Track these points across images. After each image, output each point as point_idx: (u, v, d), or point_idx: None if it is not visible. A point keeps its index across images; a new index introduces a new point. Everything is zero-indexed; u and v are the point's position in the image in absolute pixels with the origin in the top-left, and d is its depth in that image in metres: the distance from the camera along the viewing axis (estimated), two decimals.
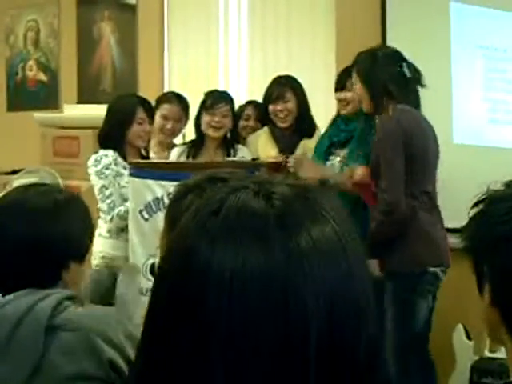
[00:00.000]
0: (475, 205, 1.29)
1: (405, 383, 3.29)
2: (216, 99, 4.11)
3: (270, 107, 4.09)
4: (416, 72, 3.47)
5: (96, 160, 3.84)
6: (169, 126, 4.28)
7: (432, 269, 3.36)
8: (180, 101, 4.44)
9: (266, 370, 0.73)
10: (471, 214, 1.29)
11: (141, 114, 3.88)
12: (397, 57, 3.49)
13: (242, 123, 4.42)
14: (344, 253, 0.78)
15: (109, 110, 3.97)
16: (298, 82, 4.14)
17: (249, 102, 4.62)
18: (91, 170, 3.85)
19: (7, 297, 1.76)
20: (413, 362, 3.45)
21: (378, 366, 0.80)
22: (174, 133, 4.44)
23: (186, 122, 4.45)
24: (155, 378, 0.78)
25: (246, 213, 0.77)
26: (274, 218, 0.76)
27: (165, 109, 4.29)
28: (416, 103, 3.46)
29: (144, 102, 3.99)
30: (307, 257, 0.75)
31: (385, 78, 3.41)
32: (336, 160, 3.85)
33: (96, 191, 3.84)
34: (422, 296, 3.39)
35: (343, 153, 3.83)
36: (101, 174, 3.80)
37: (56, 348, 1.74)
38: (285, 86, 4.09)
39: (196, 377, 0.74)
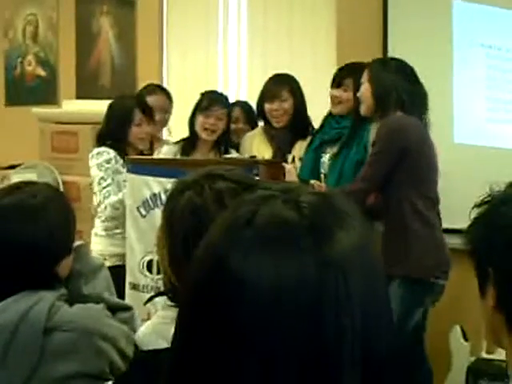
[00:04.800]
0: (478, 206, 1.27)
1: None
2: (212, 101, 4.08)
3: (266, 106, 4.05)
4: (423, 92, 3.48)
5: (98, 153, 3.91)
6: (156, 117, 4.27)
7: (441, 281, 3.37)
8: (163, 91, 4.46)
9: (299, 376, 0.72)
10: (473, 215, 1.27)
11: (138, 115, 3.92)
12: (409, 72, 3.49)
13: (230, 126, 4.31)
14: (370, 260, 0.79)
15: (108, 112, 4.01)
16: (295, 81, 4.09)
17: (235, 103, 4.55)
18: (92, 162, 3.91)
19: None
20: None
21: (398, 372, 0.80)
22: (162, 124, 4.45)
23: (171, 111, 4.46)
24: None
25: (278, 223, 0.77)
26: (306, 227, 0.76)
27: (149, 101, 4.22)
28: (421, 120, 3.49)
29: (142, 104, 4.01)
30: (340, 265, 0.75)
31: (395, 85, 3.41)
32: (326, 158, 3.85)
33: (94, 183, 3.89)
34: (424, 306, 3.42)
35: (333, 150, 3.82)
36: (101, 166, 3.87)
37: (53, 348, 1.74)
38: (282, 85, 4.04)
39: None
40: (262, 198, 0.79)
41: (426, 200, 3.40)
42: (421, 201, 3.37)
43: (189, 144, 4.14)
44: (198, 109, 4.08)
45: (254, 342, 0.73)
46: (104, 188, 3.84)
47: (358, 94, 3.57)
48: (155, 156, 4.11)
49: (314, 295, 0.73)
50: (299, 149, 4.01)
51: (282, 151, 4.01)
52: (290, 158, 3.94)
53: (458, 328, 4.04)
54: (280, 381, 0.72)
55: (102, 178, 3.86)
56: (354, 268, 0.76)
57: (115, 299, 2.06)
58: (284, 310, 0.73)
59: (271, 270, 0.73)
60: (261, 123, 4.23)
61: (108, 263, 3.75)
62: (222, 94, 4.32)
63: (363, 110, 3.54)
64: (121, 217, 3.82)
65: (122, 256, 3.79)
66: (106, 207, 3.83)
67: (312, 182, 3.60)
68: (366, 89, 3.50)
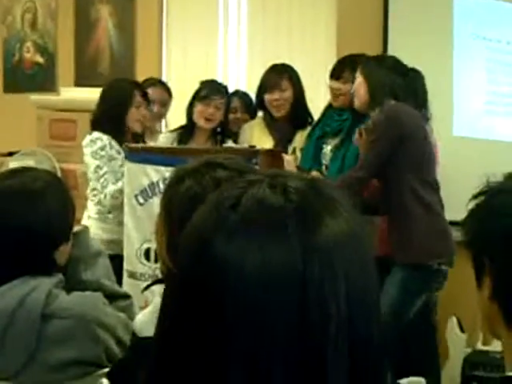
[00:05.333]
0: (475, 197, 1.27)
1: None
2: (211, 90, 4.06)
3: (267, 96, 4.03)
4: (420, 76, 3.50)
5: (92, 140, 3.86)
6: (155, 109, 4.24)
7: (444, 267, 3.37)
8: (163, 84, 4.45)
9: (283, 361, 0.72)
10: (470, 207, 1.27)
11: (138, 97, 3.89)
12: (402, 68, 3.50)
13: (229, 116, 4.28)
14: (358, 244, 0.78)
15: (104, 94, 3.96)
16: (294, 71, 4.08)
17: (233, 93, 4.52)
18: (86, 151, 3.86)
19: None
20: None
21: (383, 358, 0.80)
22: (160, 116, 4.44)
23: (169, 107, 4.47)
24: (170, 373, 0.77)
25: (263, 207, 0.76)
26: (293, 212, 0.75)
27: (149, 92, 4.21)
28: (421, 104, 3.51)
29: (139, 87, 4.00)
30: (326, 251, 0.74)
31: (389, 81, 3.43)
32: (327, 149, 3.84)
33: (90, 171, 3.85)
34: (431, 291, 3.42)
35: (335, 142, 3.82)
36: (96, 154, 3.82)
37: (50, 336, 1.75)
38: (282, 75, 4.03)
39: (211, 370, 0.73)
40: (248, 183, 0.79)
41: (426, 185, 3.41)
42: (421, 186, 3.38)
43: (186, 133, 4.12)
44: (197, 97, 4.07)
45: (239, 325, 0.72)
46: (101, 177, 3.81)
47: (352, 90, 3.58)
48: (153, 144, 4.11)
49: (298, 281, 0.73)
50: (299, 139, 4.00)
51: (282, 142, 4.00)
52: (290, 149, 3.93)
53: (454, 319, 4.05)
54: (265, 364, 0.72)
55: (98, 166, 3.82)
56: (340, 255, 0.75)
57: (114, 287, 2.06)
58: (268, 295, 0.72)
59: (256, 255, 0.73)
60: (260, 114, 4.22)
61: None
62: (221, 84, 4.29)
63: (356, 104, 3.57)
64: (120, 205, 3.80)
65: (114, 243, 3.76)
66: (105, 196, 3.80)
67: (313, 173, 3.59)
68: (359, 84, 3.52)
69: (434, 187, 3.47)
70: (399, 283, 3.34)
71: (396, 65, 3.53)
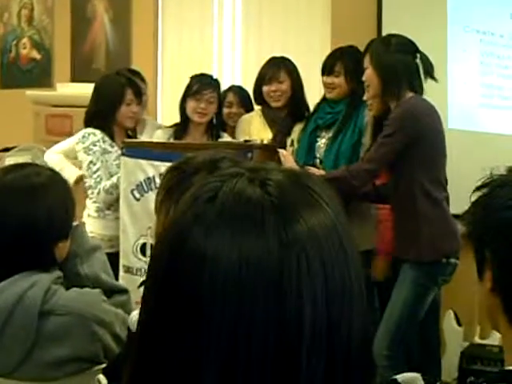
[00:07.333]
0: (477, 189, 1.27)
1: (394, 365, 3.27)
2: (202, 85, 4.03)
3: (264, 88, 4.03)
4: (429, 64, 3.45)
5: (84, 136, 3.85)
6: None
7: (453, 260, 3.35)
8: (136, 74, 4.40)
9: (259, 357, 0.71)
10: (473, 199, 1.27)
11: (129, 94, 3.88)
12: (411, 46, 3.46)
13: (224, 110, 4.29)
14: (339, 239, 0.77)
15: (96, 90, 3.95)
16: (292, 64, 4.09)
17: (229, 88, 4.51)
18: (79, 147, 3.86)
19: None
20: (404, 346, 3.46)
21: (369, 354, 0.79)
22: (142, 104, 4.39)
23: (147, 92, 4.42)
24: (149, 367, 0.76)
25: (241, 200, 0.75)
26: (270, 206, 0.74)
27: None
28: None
29: (131, 82, 3.97)
30: (303, 245, 0.73)
31: (398, 65, 3.38)
32: (321, 142, 3.84)
33: (84, 168, 3.85)
34: (438, 285, 3.41)
35: (328, 135, 3.81)
36: (88, 150, 3.82)
37: (48, 332, 1.75)
38: (279, 67, 4.04)
39: (187, 365, 0.72)
40: (228, 176, 0.78)
41: (437, 183, 3.39)
42: (431, 185, 3.36)
43: (181, 128, 4.11)
44: (189, 93, 4.05)
45: (215, 320, 0.72)
46: (94, 173, 3.81)
47: (364, 79, 3.50)
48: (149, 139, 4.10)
49: (275, 275, 0.72)
50: (298, 132, 4.00)
51: (281, 135, 4.00)
52: (289, 141, 3.93)
53: (451, 313, 4.05)
54: (241, 359, 0.71)
55: (91, 162, 3.82)
56: (318, 249, 0.74)
57: (112, 281, 2.06)
58: (244, 289, 0.72)
59: (232, 248, 0.72)
60: (257, 107, 4.21)
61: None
62: (211, 77, 4.25)
63: (370, 94, 3.47)
64: (114, 201, 3.80)
65: (115, 240, 3.76)
66: (99, 192, 3.80)
67: (308, 168, 3.57)
68: (370, 73, 3.43)
69: (443, 184, 3.45)
70: (410, 283, 3.32)
71: (402, 44, 3.44)
